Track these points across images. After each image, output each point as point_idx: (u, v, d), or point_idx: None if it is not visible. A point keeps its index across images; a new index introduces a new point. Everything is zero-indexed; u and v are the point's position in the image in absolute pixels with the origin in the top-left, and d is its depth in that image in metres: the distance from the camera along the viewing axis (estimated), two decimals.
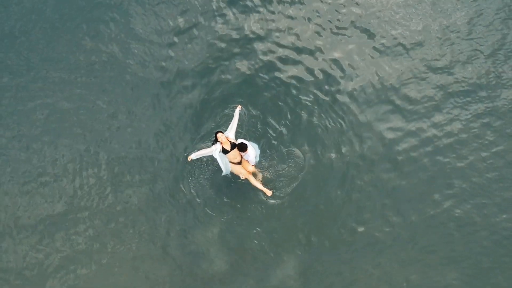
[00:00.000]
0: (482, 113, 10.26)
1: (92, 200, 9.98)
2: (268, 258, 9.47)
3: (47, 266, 9.53)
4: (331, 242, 9.50)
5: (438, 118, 10.31)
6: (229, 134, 9.20)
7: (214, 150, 9.04)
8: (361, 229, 9.52)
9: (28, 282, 9.46)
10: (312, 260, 9.41)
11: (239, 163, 9.40)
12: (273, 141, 10.22)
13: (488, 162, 9.81)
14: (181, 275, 9.45)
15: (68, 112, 10.85)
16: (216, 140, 9.07)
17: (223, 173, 9.29)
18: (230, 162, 9.24)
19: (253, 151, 9.18)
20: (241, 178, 9.51)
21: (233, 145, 9.13)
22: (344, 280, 9.24)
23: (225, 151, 9.13)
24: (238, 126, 9.57)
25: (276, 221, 9.68)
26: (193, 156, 9.16)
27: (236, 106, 9.62)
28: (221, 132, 9.08)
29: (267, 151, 10.07)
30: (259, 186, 9.42)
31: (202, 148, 9.70)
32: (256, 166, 9.57)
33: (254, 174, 9.53)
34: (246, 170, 9.42)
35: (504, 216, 9.33)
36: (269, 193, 9.42)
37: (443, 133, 10.14)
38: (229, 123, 9.44)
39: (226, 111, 10.55)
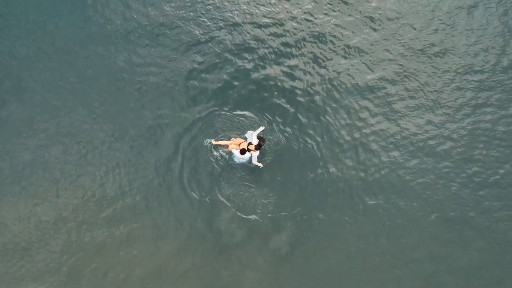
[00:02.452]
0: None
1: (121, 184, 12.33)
2: (269, 229, 11.97)
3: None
4: (314, 217, 12.02)
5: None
6: (253, 142, 11.64)
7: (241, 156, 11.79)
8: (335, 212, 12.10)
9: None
10: (300, 231, 11.92)
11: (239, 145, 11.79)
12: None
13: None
14: (203, 242, 11.95)
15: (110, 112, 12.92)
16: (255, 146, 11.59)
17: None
18: (233, 142, 11.87)
19: (240, 157, 11.80)
20: (228, 146, 12.00)
21: (247, 146, 11.64)
22: (324, 244, 11.85)
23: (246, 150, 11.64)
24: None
25: (273, 205, 12.12)
26: (253, 137, 11.69)
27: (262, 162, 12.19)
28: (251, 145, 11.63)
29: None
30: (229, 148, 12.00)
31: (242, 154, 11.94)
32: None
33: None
34: (233, 146, 11.81)
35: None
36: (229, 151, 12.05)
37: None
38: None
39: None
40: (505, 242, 11.72)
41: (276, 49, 13.31)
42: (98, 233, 11.90)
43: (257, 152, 11.87)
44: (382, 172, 12.36)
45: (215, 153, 12.43)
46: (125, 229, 11.94)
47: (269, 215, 12.11)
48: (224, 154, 12.34)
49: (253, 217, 12.08)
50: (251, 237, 11.94)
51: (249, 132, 12.06)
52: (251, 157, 11.93)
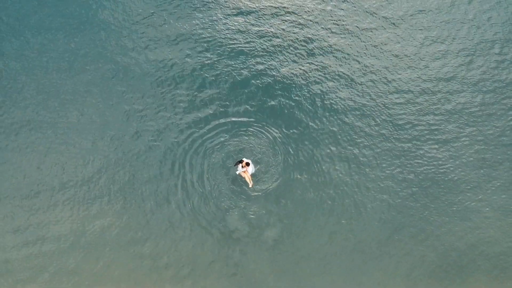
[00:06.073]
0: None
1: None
2: (264, 225, 15.63)
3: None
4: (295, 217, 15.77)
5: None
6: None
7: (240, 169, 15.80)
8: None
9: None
10: (293, 227, 15.56)
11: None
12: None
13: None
14: (212, 235, 15.59)
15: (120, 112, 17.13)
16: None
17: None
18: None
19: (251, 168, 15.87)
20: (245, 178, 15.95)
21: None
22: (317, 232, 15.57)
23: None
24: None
25: (271, 206, 15.87)
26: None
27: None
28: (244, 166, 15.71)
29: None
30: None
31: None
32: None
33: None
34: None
35: None
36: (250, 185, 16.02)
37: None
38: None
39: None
40: None
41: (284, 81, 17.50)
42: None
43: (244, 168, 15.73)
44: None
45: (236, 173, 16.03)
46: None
47: (264, 216, 15.77)
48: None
49: (253, 218, 15.79)
50: (252, 231, 15.64)
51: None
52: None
